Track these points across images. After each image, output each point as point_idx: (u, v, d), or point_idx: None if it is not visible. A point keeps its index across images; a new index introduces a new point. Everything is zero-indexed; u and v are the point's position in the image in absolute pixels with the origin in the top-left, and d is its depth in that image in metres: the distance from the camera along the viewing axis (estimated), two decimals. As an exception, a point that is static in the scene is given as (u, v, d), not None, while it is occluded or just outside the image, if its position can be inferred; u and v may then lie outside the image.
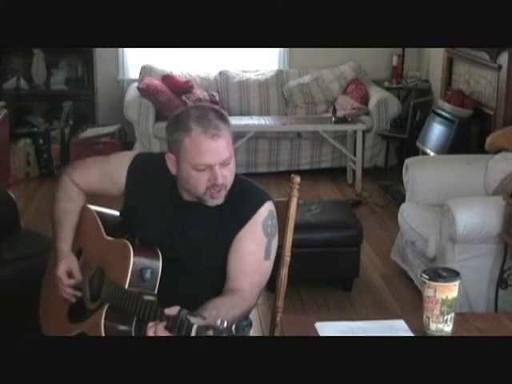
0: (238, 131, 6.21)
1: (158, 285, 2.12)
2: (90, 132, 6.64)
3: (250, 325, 2.39)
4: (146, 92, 6.50)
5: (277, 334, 2.34)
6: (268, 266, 2.21)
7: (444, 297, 1.89)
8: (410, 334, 1.95)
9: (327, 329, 1.96)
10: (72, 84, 7.07)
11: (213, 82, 7.00)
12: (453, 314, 1.92)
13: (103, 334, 2.06)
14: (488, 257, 3.71)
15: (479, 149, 5.06)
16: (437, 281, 1.89)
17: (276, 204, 2.40)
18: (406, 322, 2.01)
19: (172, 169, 2.17)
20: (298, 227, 2.44)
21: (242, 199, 2.19)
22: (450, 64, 6.24)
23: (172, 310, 1.87)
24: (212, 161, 2.08)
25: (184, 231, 2.21)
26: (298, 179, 2.38)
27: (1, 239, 3.45)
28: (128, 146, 6.58)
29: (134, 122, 6.43)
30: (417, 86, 7.05)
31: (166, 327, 1.85)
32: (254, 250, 2.17)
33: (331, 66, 7.09)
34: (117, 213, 2.38)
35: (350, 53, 6.88)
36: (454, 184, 4.27)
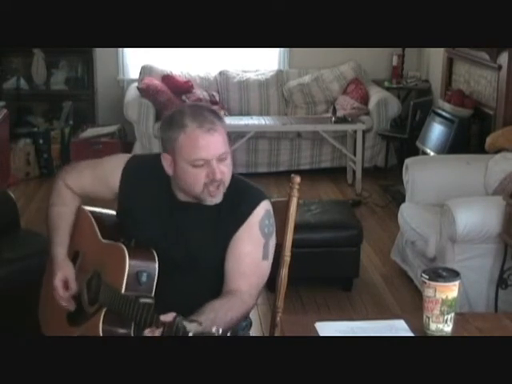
0: (238, 131, 6.21)
1: (154, 287, 2.11)
2: (90, 132, 6.64)
3: (250, 325, 2.38)
4: (146, 92, 6.50)
5: (277, 334, 2.34)
6: (266, 266, 2.19)
7: (444, 297, 1.89)
8: (410, 333, 1.95)
9: (327, 329, 1.95)
10: (72, 84, 7.07)
11: (213, 82, 7.00)
12: (453, 314, 1.92)
13: None
14: (488, 257, 3.71)
15: (479, 149, 5.06)
16: (437, 281, 1.89)
17: (276, 204, 2.40)
18: (406, 321, 2.01)
19: (168, 170, 2.14)
20: (298, 227, 2.44)
21: (238, 199, 2.17)
22: (450, 64, 6.24)
23: (167, 317, 1.85)
24: (209, 155, 2.06)
25: (180, 232, 2.19)
26: (297, 179, 2.37)
27: (1, 239, 3.45)
28: (128, 145, 6.58)
29: (134, 122, 6.43)
30: (417, 86, 7.05)
31: (162, 334, 1.83)
32: (252, 251, 2.15)
33: (331, 65, 7.09)
34: (113, 212, 2.36)
35: (350, 53, 6.87)
36: (454, 184, 4.27)
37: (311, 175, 6.34)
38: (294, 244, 2.39)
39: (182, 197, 2.19)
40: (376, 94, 6.75)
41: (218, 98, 6.88)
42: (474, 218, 3.62)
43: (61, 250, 2.30)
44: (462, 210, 3.64)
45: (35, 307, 2.45)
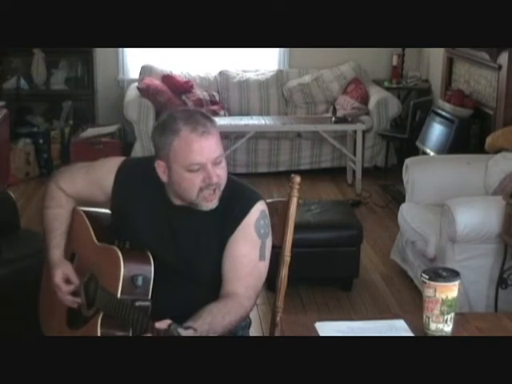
0: (238, 131, 6.22)
1: (151, 289, 2.09)
2: (90, 132, 6.64)
3: (250, 324, 2.38)
4: (146, 92, 6.50)
5: (277, 333, 2.33)
6: (263, 267, 2.18)
7: (444, 297, 1.89)
8: (410, 334, 1.95)
9: (327, 329, 1.95)
10: (72, 84, 7.07)
11: (213, 82, 7.00)
12: (453, 314, 1.92)
13: None
14: (488, 257, 3.71)
15: (479, 149, 5.06)
16: (437, 281, 1.89)
17: (276, 204, 2.40)
18: (406, 322, 2.01)
19: (163, 177, 2.12)
20: (298, 227, 2.44)
21: (233, 201, 2.15)
22: (449, 64, 6.24)
23: (162, 324, 1.85)
24: (204, 159, 2.04)
25: (175, 237, 2.17)
26: (297, 179, 2.37)
27: (1, 239, 3.45)
28: (128, 145, 6.59)
29: (133, 122, 6.43)
30: (417, 85, 7.05)
31: None
32: (248, 252, 2.14)
33: (331, 66, 7.09)
34: (108, 212, 2.34)
35: (350, 53, 6.88)
36: (454, 184, 4.27)
37: (311, 175, 6.33)
38: (294, 244, 2.39)
39: (176, 201, 2.16)
40: (376, 94, 6.75)
41: (217, 98, 6.88)
42: (474, 217, 3.62)
43: (57, 252, 2.29)
44: (462, 209, 3.64)
45: (35, 307, 2.45)
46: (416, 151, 5.98)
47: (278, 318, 2.35)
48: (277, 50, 7.27)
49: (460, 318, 2.01)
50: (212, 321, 1.97)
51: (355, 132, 6.27)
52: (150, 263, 2.11)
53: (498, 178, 4.12)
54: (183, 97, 6.67)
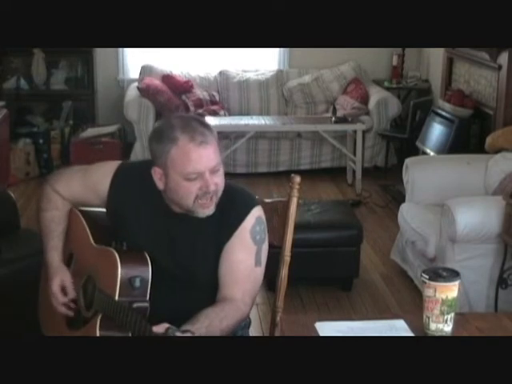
0: (238, 131, 6.22)
1: (149, 290, 2.09)
2: (90, 132, 6.64)
3: (249, 324, 2.38)
4: (145, 92, 6.50)
5: (277, 333, 2.34)
6: (259, 272, 2.18)
7: (444, 297, 1.89)
8: (410, 334, 1.95)
9: (327, 329, 1.95)
10: (72, 84, 7.07)
11: (213, 81, 7.00)
12: (453, 314, 1.92)
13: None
14: (488, 257, 3.71)
15: (479, 149, 5.06)
16: (437, 281, 1.89)
17: (276, 204, 2.40)
18: (406, 321, 2.01)
19: (159, 184, 2.11)
20: (298, 227, 2.44)
21: (229, 207, 2.14)
22: (449, 64, 6.24)
23: (160, 328, 1.84)
24: (202, 168, 2.03)
25: (172, 243, 2.16)
26: (297, 179, 2.37)
27: (1, 239, 3.45)
28: (128, 145, 6.59)
29: (133, 122, 6.43)
30: (417, 85, 7.06)
31: None
32: (244, 259, 2.14)
33: (331, 66, 7.09)
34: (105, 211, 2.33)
35: (350, 53, 6.88)
36: (454, 184, 4.27)
37: (311, 175, 6.33)
38: (294, 244, 2.39)
39: (173, 207, 2.16)
40: (376, 94, 6.75)
41: (218, 98, 6.88)
42: (474, 217, 3.62)
43: (55, 255, 2.29)
44: (462, 209, 3.64)
45: (35, 307, 2.45)
46: (416, 151, 5.98)
47: (278, 318, 2.35)
48: (277, 49, 7.27)
49: (460, 318, 2.01)
50: (209, 324, 1.98)
51: (355, 132, 6.26)
52: (147, 264, 2.11)
53: (498, 177, 4.12)
54: (183, 97, 6.67)
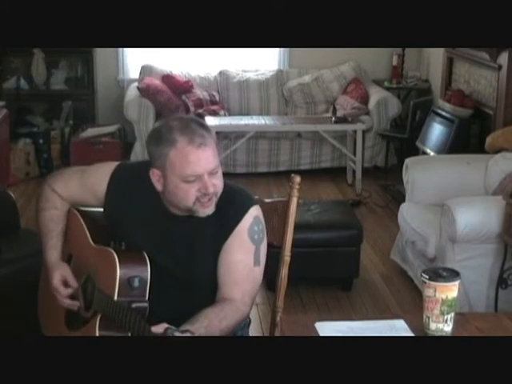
0: (238, 131, 6.22)
1: (148, 290, 2.08)
2: (90, 132, 6.64)
3: (249, 324, 2.38)
4: (145, 92, 6.50)
5: (277, 333, 2.34)
6: (258, 272, 2.18)
7: (444, 297, 1.89)
8: (410, 334, 1.95)
9: (327, 329, 1.95)
10: (72, 84, 7.07)
11: (213, 81, 7.00)
12: (453, 314, 1.92)
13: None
14: (488, 257, 3.71)
15: (479, 149, 5.06)
16: (437, 281, 1.89)
17: (276, 204, 2.40)
18: (406, 321, 2.01)
19: (157, 185, 2.10)
20: (297, 227, 2.44)
21: (226, 207, 2.14)
22: (449, 64, 6.24)
23: (159, 328, 1.84)
24: (201, 170, 2.03)
25: (170, 244, 2.16)
26: (297, 179, 2.37)
27: (1, 239, 3.45)
28: (128, 145, 6.59)
29: (133, 122, 6.43)
30: (417, 85, 7.05)
31: None
32: (243, 259, 2.14)
33: (331, 66, 7.09)
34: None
35: (350, 53, 6.88)
36: (454, 184, 4.27)
37: (311, 175, 6.33)
38: (294, 244, 2.39)
39: (171, 208, 2.15)
40: (376, 94, 6.75)
41: (217, 98, 6.88)
42: (474, 217, 3.62)
43: (55, 253, 2.28)
44: (462, 209, 3.64)
45: (35, 307, 2.45)
46: (416, 151, 5.98)
47: (278, 318, 2.35)
48: (277, 49, 7.27)
49: (460, 318, 2.01)
50: (209, 324, 1.98)
51: (355, 132, 6.26)
52: (146, 264, 2.11)
53: (498, 177, 4.12)
54: (183, 97, 6.67)
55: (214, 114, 6.54)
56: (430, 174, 4.43)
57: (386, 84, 7.03)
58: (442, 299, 1.89)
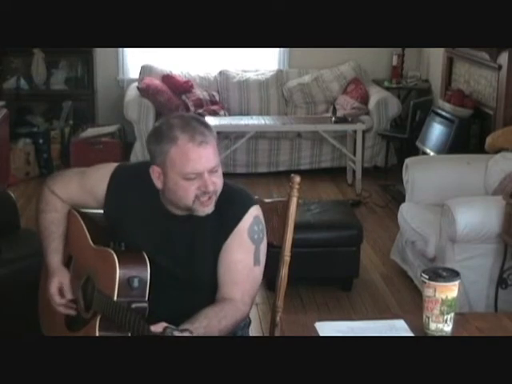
0: (238, 131, 6.22)
1: (147, 290, 2.08)
2: (90, 132, 6.64)
3: (249, 324, 2.38)
4: (145, 92, 6.50)
5: (277, 333, 2.34)
6: (258, 271, 2.18)
7: (444, 297, 1.89)
8: (410, 334, 1.95)
9: (327, 329, 1.95)
10: (72, 84, 7.07)
11: (213, 81, 7.00)
12: (453, 314, 1.92)
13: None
14: (488, 257, 3.71)
15: (479, 149, 5.06)
16: (437, 281, 1.89)
17: (276, 204, 2.40)
18: (406, 322, 2.01)
19: (157, 183, 2.10)
20: (298, 227, 2.44)
21: (226, 207, 2.13)
22: (449, 64, 6.24)
23: (158, 327, 1.84)
24: (201, 168, 2.03)
25: (170, 244, 2.16)
26: (297, 179, 2.37)
27: (1, 239, 3.45)
28: (128, 145, 6.59)
29: (133, 122, 6.43)
30: (417, 85, 7.05)
31: None
32: (243, 259, 2.14)
33: (331, 66, 7.09)
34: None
35: (350, 53, 6.88)
36: (454, 184, 4.27)
37: (311, 175, 6.33)
38: (294, 244, 2.39)
39: (171, 207, 2.15)
40: (376, 94, 6.75)
41: (218, 98, 6.88)
42: (474, 217, 3.62)
43: (56, 257, 2.28)
44: (462, 209, 3.64)
45: (35, 307, 2.45)
46: (416, 151, 5.98)
47: (278, 318, 2.35)
48: (277, 50, 7.27)
49: (460, 318, 2.01)
50: (208, 324, 1.98)
51: (355, 132, 6.26)
52: (145, 264, 2.11)
53: (497, 177, 4.12)
54: (183, 97, 6.67)
55: (214, 114, 6.54)
56: (430, 173, 4.43)
57: (386, 84, 7.03)
58: (442, 299, 1.89)
